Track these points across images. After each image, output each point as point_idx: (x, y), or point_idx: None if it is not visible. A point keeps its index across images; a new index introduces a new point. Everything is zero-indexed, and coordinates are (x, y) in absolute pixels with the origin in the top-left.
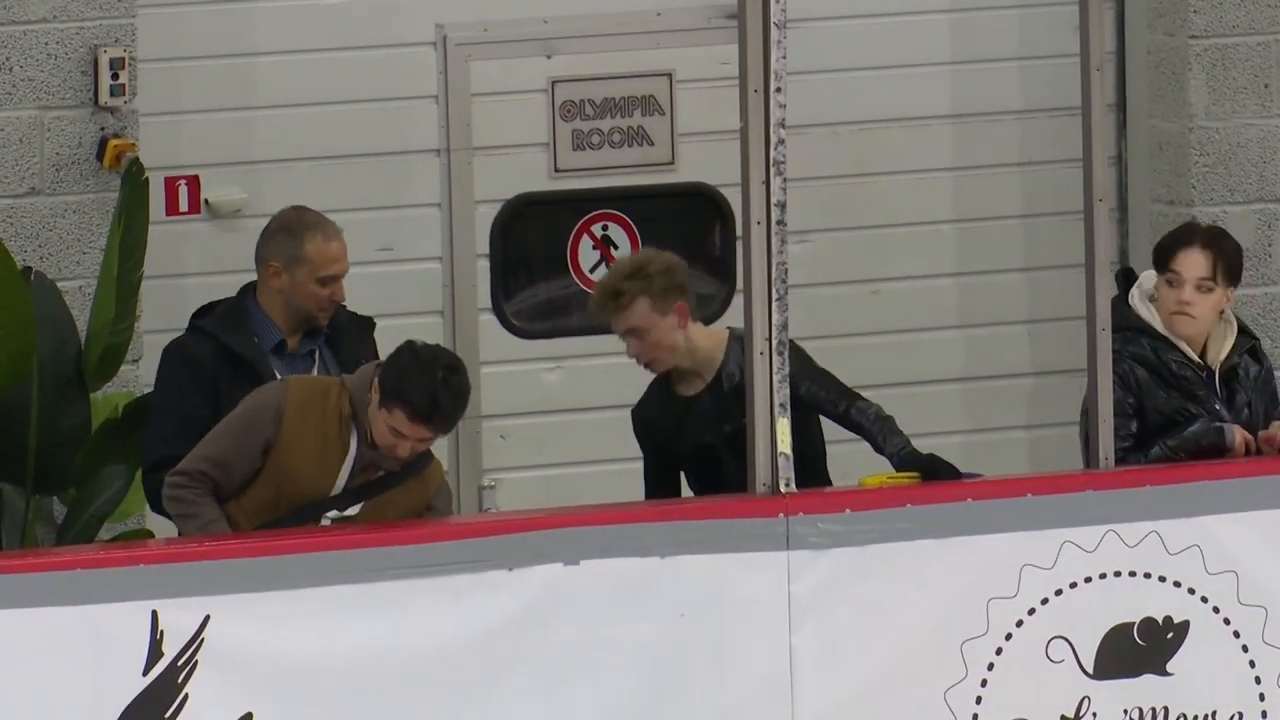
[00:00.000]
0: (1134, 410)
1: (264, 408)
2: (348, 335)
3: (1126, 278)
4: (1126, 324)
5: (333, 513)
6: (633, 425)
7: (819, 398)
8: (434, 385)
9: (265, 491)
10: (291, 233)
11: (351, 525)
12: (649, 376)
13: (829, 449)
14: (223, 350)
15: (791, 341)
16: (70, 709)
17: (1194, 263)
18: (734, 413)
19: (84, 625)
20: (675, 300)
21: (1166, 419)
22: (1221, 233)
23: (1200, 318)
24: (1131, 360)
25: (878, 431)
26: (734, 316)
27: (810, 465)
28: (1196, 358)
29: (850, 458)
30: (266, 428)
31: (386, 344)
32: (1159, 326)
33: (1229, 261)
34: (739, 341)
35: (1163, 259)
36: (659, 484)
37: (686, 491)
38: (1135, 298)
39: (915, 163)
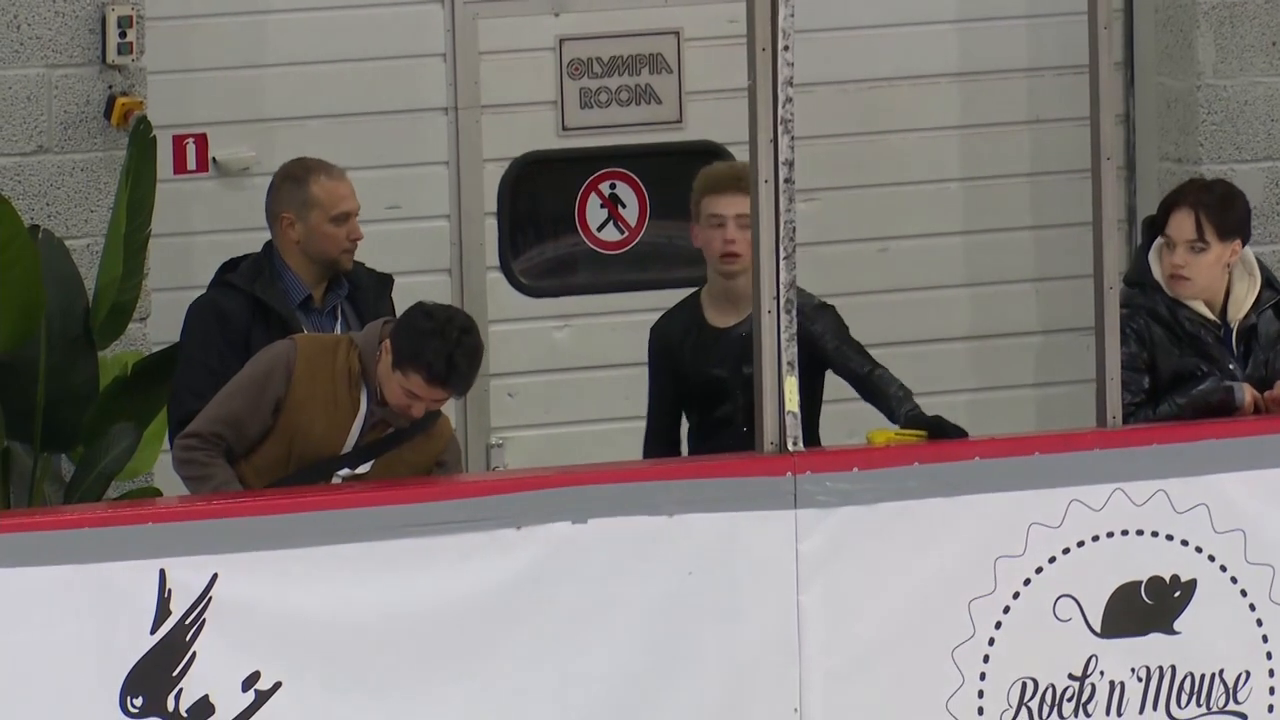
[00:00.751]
0: (1146, 366)
1: (274, 366)
2: (368, 292)
3: (1151, 228)
4: (1141, 279)
5: (344, 471)
6: (649, 343)
7: (847, 357)
8: (450, 347)
9: (276, 450)
10: (296, 180)
11: (360, 484)
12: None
13: (838, 406)
14: (254, 304)
15: (826, 303)
16: (79, 667)
17: (1182, 225)
18: (735, 360)
19: (92, 583)
20: None
21: (1179, 376)
22: (1209, 187)
23: (1196, 279)
24: (1147, 316)
25: (894, 396)
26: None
27: (808, 425)
28: (1212, 315)
29: (860, 415)
30: (278, 386)
31: (396, 301)
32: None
33: (1220, 217)
34: None
35: (1160, 221)
36: (662, 411)
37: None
38: (1153, 252)
39: (923, 121)
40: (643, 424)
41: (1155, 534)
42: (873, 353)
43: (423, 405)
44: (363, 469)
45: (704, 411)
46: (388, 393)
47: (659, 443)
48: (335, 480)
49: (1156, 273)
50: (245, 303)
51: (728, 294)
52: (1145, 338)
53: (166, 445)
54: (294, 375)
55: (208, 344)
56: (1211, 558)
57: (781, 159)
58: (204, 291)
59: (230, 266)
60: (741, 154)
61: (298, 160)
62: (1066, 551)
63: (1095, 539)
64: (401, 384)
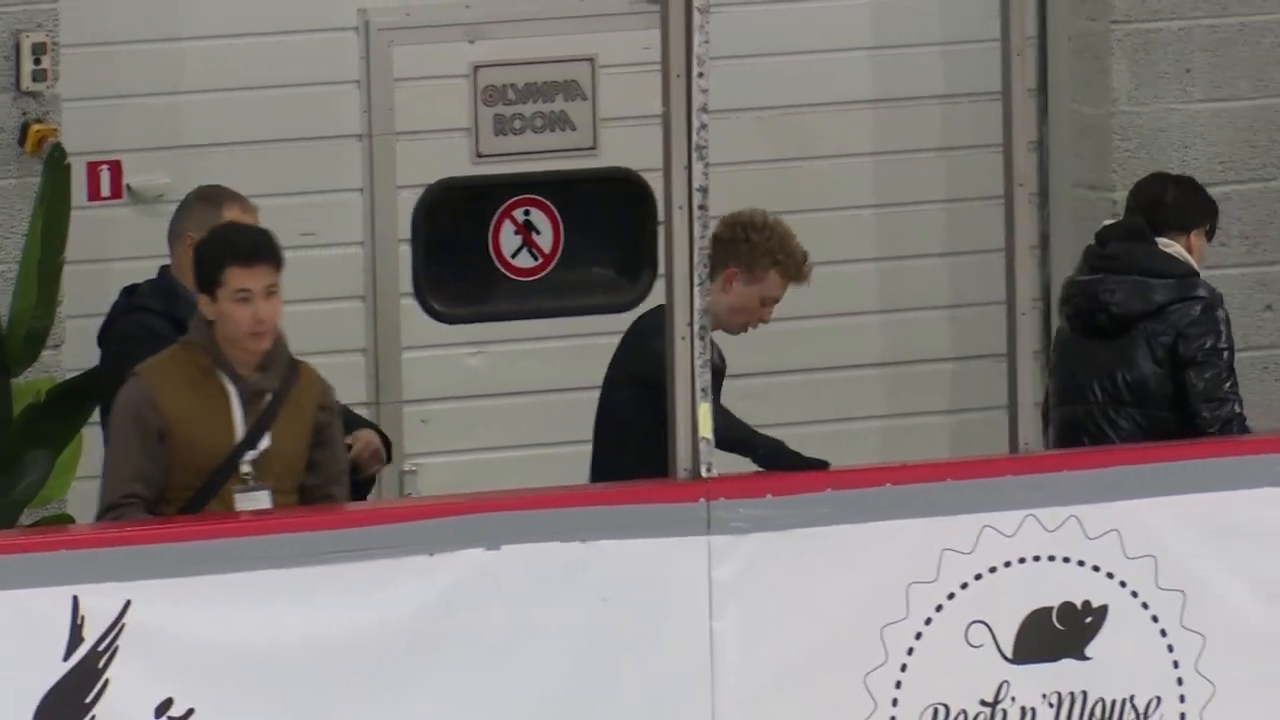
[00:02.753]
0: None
1: (138, 404)
2: None
3: None
4: None
5: (247, 456)
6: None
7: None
8: (229, 229)
9: (182, 475)
10: (211, 203)
11: (275, 510)
12: (571, 360)
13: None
14: (172, 323)
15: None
16: None
17: None
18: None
19: (4, 610)
20: None
21: None
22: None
23: None
24: None
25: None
26: (655, 301)
27: None
28: None
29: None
30: (152, 418)
31: (309, 331)
32: None
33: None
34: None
35: None
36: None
37: None
38: None
39: (837, 147)
40: (556, 450)
41: (1067, 560)
42: (787, 379)
43: (262, 305)
44: (263, 445)
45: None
46: (228, 329)
47: None
48: (243, 468)
49: None
50: (164, 323)
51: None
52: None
53: (80, 472)
54: (158, 401)
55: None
56: (1123, 583)
57: (696, 185)
58: (105, 318)
59: (132, 290)
60: (655, 180)
61: (215, 187)
62: (979, 578)
63: (1007, 565)
64: (226, 298)
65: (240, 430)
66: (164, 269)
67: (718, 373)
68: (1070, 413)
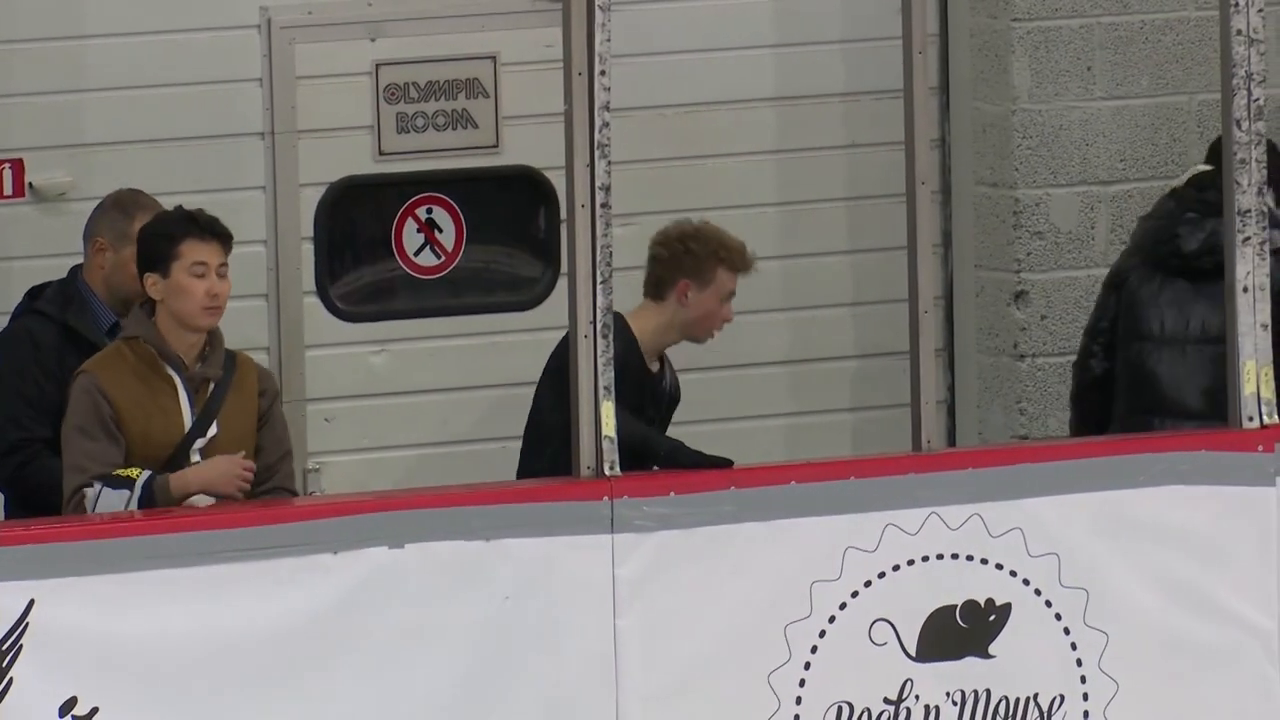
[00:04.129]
0: None
1: (88, 392)
2: None
3: None
4: None
5: (199, 442)
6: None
7: None
8: (179, 212)
9: (136, 465)
10: (124, 210)
11: (180, 509)
12: (474, 358)
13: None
14: (65, 330)
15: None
16: None
17: None
18: (666, 405)
19: None
20: None
21: None
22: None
23: None
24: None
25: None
26: (558, 299)
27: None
28: None
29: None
30: (104, 406)
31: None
32: None
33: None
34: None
35: None
36: None
37: None
38: None
39: (740, 145)
40: (460, 448)
41: (970, 558)
42: (690, 377)
43: (215, 281)
44: (212, 433)
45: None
46: (184, 302)
47: None
48: (193, 456)
49: None
50: (56, 330)
51: (663, 346)
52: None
53: None
54: (107, 394)
55: (23, 373)
56: (1026, 581)
57: (598, 184)
58: (9, 319)
59: (35, 292)
60: (558, 178)
61: (133, 193)
62: (882, 576)
63: (911, 563)
64: (183, 273)
65: (189, 419)
66: (74, 269)
67: (673, 400)
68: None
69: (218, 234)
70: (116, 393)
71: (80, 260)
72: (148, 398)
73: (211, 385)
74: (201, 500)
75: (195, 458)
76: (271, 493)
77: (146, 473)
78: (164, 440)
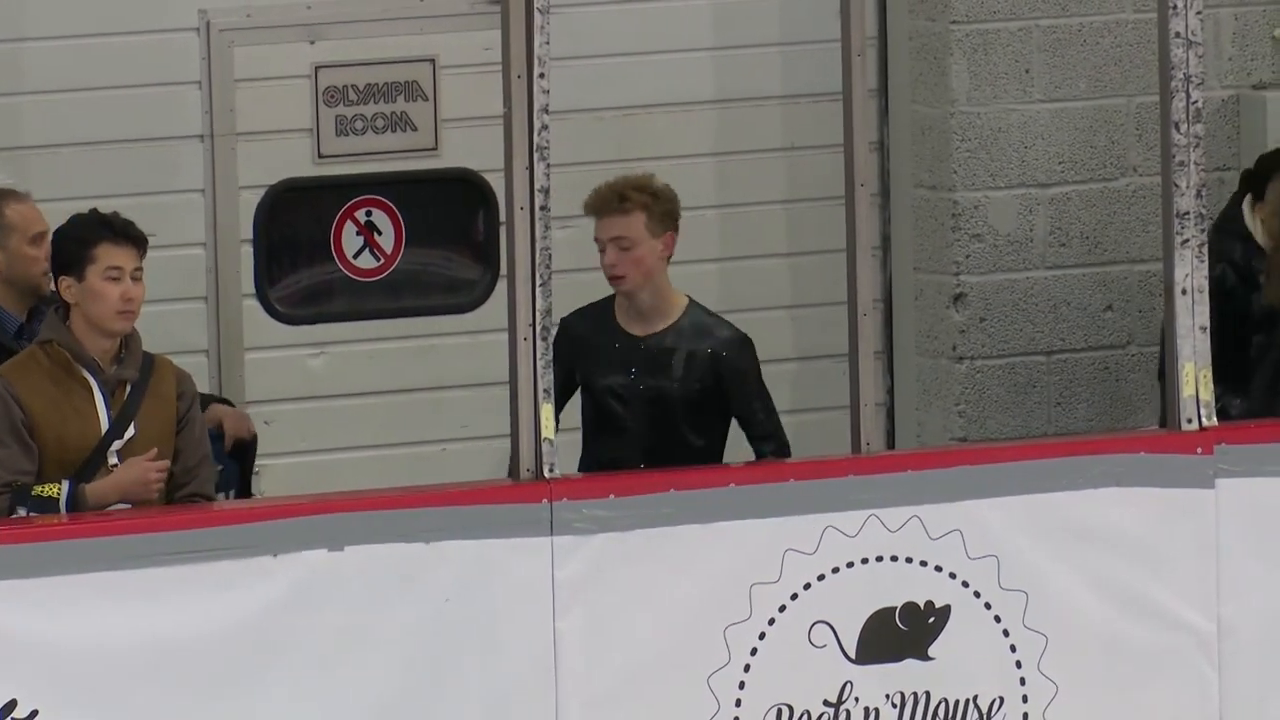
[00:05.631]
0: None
1: (3, 401)
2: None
3: (1249, 181)
4: (1229, 222)
5: (113, 446)
6: (556, 333)
7: (751, 413)
8: (94, 215)
9: (50, 470)
10: None
11: (117, 511)
12: (414, 360)
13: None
14: None
15: (748, 338)
16: None
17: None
18: (661, 373)
19: None
20: (669, 229)
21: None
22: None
23: None
24: (1225, 263)
25: None
26: (497, 302)
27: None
28: None
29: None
30: (15, 411)
31: (151, 332)
32: (1258, 237)
33: None
34: (698, 309)
35: (1259, 183)
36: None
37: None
38: (1247, 203)
39: (678, 148)
40: (399, 451)
41: (909, 560)
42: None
43: (129, 284)
44: (129, 435)
45: (600, 414)
46: (98, 307)
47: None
48: (110, 459)
49: (1249, 222)
50: None
51: (632, 307)
52: (1225, 284)
53: None
54: (20, 398)
55: None
56: (965, 584)
57: (537, 186)
58: None
59: None
60: (497, 181)
61: None
62: (821, 578)
63: (850, 565)
64: (99, 275)
65: (105, 421)
66: None
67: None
68: None
69: (132, 238)
70: (30, 398)
71: None
72: (62, 401)
73: (128, 387)
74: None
75: (113, 460)
76: (191, 498)
77: (66, 488)
78: (79, 444)
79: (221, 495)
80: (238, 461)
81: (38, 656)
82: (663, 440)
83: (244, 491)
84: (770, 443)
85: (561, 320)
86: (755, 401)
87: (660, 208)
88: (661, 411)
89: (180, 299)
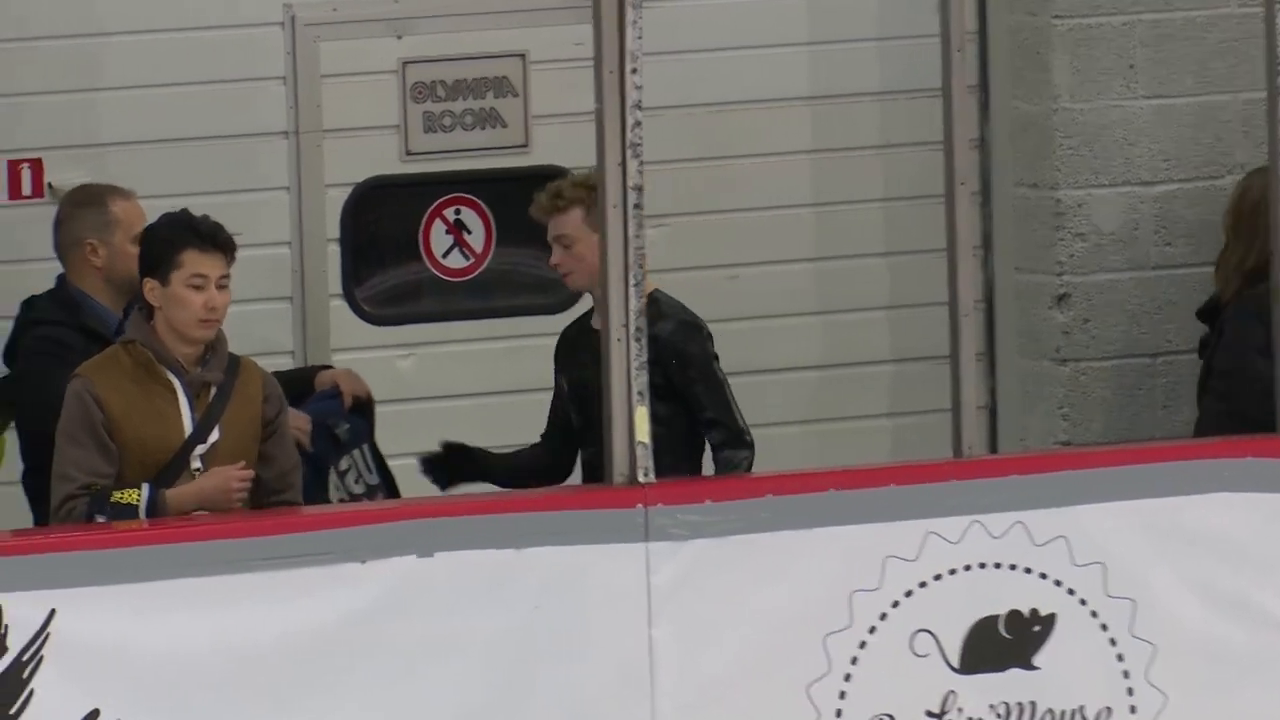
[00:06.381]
0: None
1: (81, 397)
2: None
3: None
4: None
5: (200, 449)
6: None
7: (698, 404)
8: (183, 217)
9: (132, 473)
10: (94, 204)
11: (203, 517)
12: (504, 362)
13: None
14: (87, 334)
15: (699, 324)
16: None
17: None
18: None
19: None
20: None
21: None
22: None
23: None
24: None
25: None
26: (589, 302)
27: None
28: None
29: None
30: (95, 412)
31: (236, 333)
32: None
33: None
34: (653, 301)
35: None
36: (552, 409)
37: None
38: None
39: (773, 145)
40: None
41: (1014, 567)
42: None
43: (214, 293)
44: (213, 439)
45: (584, 413)
46: (180, 314)
47: (541, 443)
48: (193, 463)
49: None
50: (73, 334)
51: (596, 303)
52: None
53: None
54: (100, 398)
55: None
56: (1071, 591)
57: (630, 184)
58: (11, 330)
59: (29, 304)
60: None
61: (84, 187)
62: (923, 585)
63: (952, 572)
64: (183, 283)
65: (189, 424)
66: (61, 278)
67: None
68: None
69: (220, 244)
70: (110, 398)
71: (57, 271)
72: (144, 402)
73: (213, 390)
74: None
75: (196, 464)
76: (284, 504)
77: (146, 493)
78: (161, 446)
79: (358, 451)
80: (362, 417)
81: (122, 666)
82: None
83: (375, 446)
84: (717, 430)
85: (564, 330)
86: (698, 385)
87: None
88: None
89: (265, 299)
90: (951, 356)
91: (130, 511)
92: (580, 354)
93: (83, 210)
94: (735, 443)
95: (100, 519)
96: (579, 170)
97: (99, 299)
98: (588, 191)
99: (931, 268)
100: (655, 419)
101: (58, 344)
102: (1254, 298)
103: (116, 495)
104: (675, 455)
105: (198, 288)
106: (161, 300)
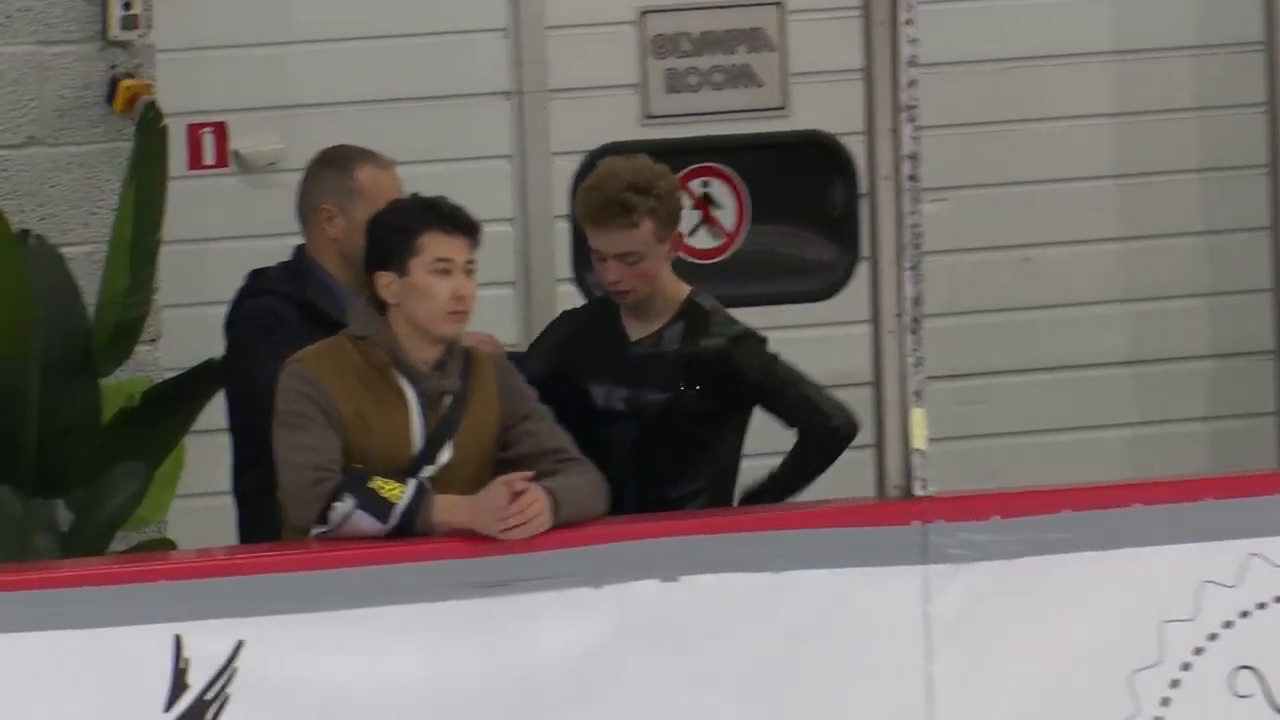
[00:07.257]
0: None
1: (308, 382)
2: None
3: None
4: None
5: (428, 470)
6: (552, 321)
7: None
8: (417, 200)
9: None
10: (339, 166)
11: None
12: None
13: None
14: (306, 309)
15: (751, 332)
16: None
17: None
18: (647, 383)
19: (94, 653)
20: (674, 227)
21: None
22: None
23: None
24: None
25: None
26: (857, 289)
27: (722, 484)
28: None
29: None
30: (326, 398)
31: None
32: None
33: None
34: (695, 308)
35: None
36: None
37: None
38: None
39: (1070, 107)
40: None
41: None
42: (1013, 381)
43: (461, 279)
44: (444, 458)
45: (579, 421)
46: (425, 306)
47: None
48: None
49: None
50: (289, 307)
51: (639, 305)
52: None
53: (182, 489)
54: (329, 391)
55: (276, 355)
56: None
57: (904, 152)
58: (231, 305)
59: (257, 274)
60: (856, 146)
61: (338, 147)
62: (1245, 615)
63: (1279, 600)
64: (426, 269)
65: (419, 440)
66: (299, 248)
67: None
68: None
69: (462, 225)
70: (340, 396)
71: (296, 241)
72: (373, 409)
73: (446, 400)
74: None
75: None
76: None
77: (411, 491)
78: (387, 461)
79: None
80: None
81: (318, 704)
82: (657, 456)
83: None
84: (816, 416)
85: (564, 313)
86: (789, 389)
87: (666, 208)
88: (660, 425)
89: (484, 284)
90: (1277, 351)
91: (382, 509)
92: (600, 360)
93: (326, 171)
94: (832, 428)
95: (346, 501)
96: (838, 135)
97: (334, 273)
98: (657, 199)
99: (1255, 248)
100: (698, 445)
101: (270, 314)
102: None
103: (378, 483)
104: (721, 497)
105: (444, 273)
106: (400, 294)
